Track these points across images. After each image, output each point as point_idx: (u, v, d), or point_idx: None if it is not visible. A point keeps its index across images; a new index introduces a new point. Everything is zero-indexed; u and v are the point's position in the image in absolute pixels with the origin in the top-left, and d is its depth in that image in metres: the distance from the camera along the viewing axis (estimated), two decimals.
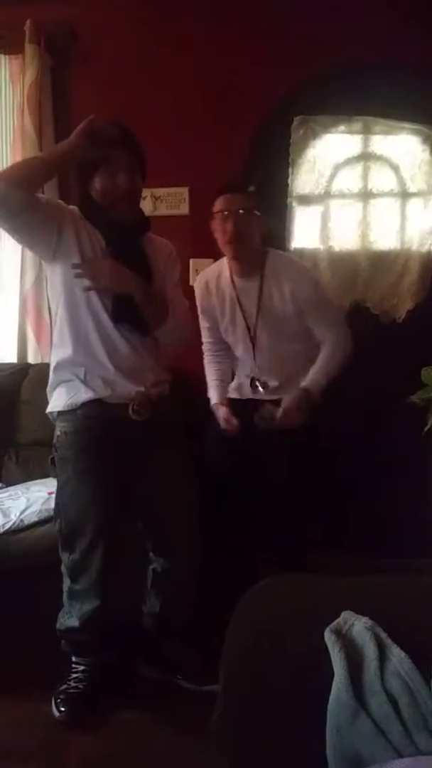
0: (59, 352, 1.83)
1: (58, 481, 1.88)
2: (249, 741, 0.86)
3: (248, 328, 2.14)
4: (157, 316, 1.83)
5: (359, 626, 0.91)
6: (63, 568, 1.87)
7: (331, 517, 2.49)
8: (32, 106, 2.61)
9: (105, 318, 1.79)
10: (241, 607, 1.00)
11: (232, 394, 2.24)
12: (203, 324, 2.27)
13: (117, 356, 1.80)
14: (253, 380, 2.17)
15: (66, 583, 1.87)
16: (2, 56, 2.72)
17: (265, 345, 2.14)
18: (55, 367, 1.85)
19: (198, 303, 2.24)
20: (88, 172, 1.79)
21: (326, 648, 0.88)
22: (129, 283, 1.76)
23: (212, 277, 2.20)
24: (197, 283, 2.27)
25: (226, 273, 2.17)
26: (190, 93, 2.60)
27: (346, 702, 0.81)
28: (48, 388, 1.88)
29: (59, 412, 1.83)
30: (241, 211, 2.02)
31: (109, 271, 1.76)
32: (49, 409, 1.87)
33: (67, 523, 1.82)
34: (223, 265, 2.19)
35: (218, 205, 2.05)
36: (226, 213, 2.02)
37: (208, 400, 2.25)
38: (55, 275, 1.81)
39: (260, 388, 2.16)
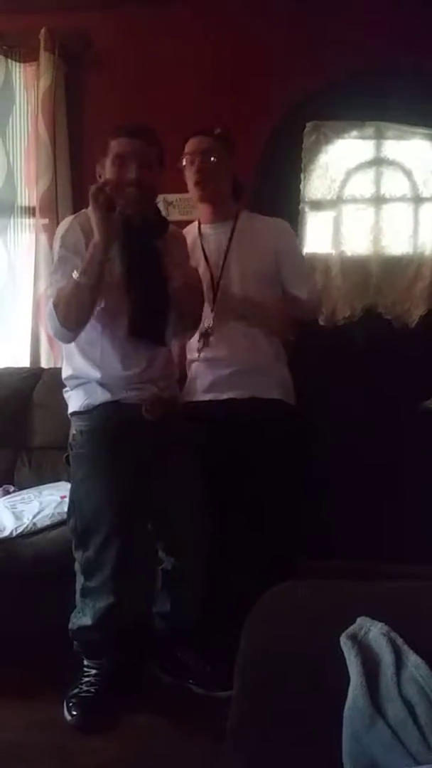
0: (74, 360, 1.85)
1: (72, 479, 1.89)
2: (265, 745, 0.86)
3: (212, 277, 2.04)
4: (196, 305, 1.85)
5: (375, 632, 0.90)
6: (76, 566, 1.87)
7: (345, 524, 2.47)
8: (46, 113, 2.64)
9: (121, 333, 1.78)
10: (256, 612, 1.00)
11: (199, 398, 2.06)
12: None
13: (132, 368, 1.81)
14: (206, 333, 2.01)
15: (79, 581, 1.87)
16: (17, 64, 2.74)
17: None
18: (70, 376, 1.87)
19: None
20: (103, 163, 1.79)
21: (342, 653, 0.88)
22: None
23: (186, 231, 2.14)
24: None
25: (195, 222, 2.15)
26: (203, 99, 2.61)
27: (363, 708, 0.81)
28: (64, 391, 1.91)
29: (75, 413, 1.85)
30: (206, 152, 1.98)
31: None
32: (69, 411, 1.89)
33: (82, 520, 1.83)
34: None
35: (185, 149, 2.03)
36: (192, 154, 2.00)
37: None
38: None
39: (206, 344, 2.01)
